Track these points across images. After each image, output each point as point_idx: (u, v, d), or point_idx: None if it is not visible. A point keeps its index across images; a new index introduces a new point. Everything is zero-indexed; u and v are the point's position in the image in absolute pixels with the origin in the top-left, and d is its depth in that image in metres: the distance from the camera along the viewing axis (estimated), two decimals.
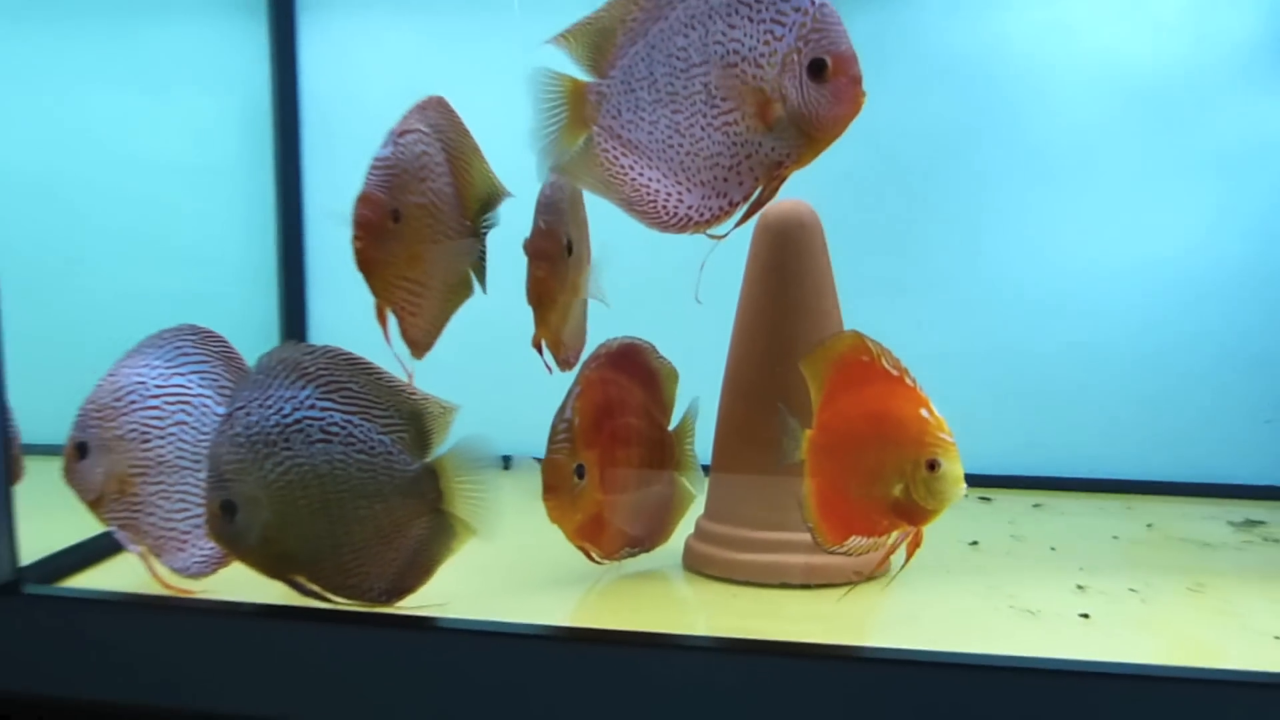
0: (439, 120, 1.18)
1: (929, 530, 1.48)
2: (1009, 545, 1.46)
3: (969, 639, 1.10)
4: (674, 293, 1.75)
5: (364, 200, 1.10)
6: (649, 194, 1.07)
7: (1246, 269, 1.71)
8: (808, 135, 1.00)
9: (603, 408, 1.20)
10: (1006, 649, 1.00)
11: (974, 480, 1.75)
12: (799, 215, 1.29)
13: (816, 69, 0.97)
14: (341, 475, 1.07)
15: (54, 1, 1.90)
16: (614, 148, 1.09)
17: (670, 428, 1.31)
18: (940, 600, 1.22)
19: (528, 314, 1.19)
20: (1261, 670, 0.94)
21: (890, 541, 1.08)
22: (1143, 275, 1.73)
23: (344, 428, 1.08)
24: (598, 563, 1.24)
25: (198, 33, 1.92)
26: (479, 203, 1.22)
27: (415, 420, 1.10)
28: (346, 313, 1.85)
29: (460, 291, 1.23)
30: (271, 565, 1.10)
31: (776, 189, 1.04)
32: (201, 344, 1.25)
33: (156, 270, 1.83)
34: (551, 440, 1.15)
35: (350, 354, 1.10)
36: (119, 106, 1.88)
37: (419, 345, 1.18)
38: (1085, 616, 1.16)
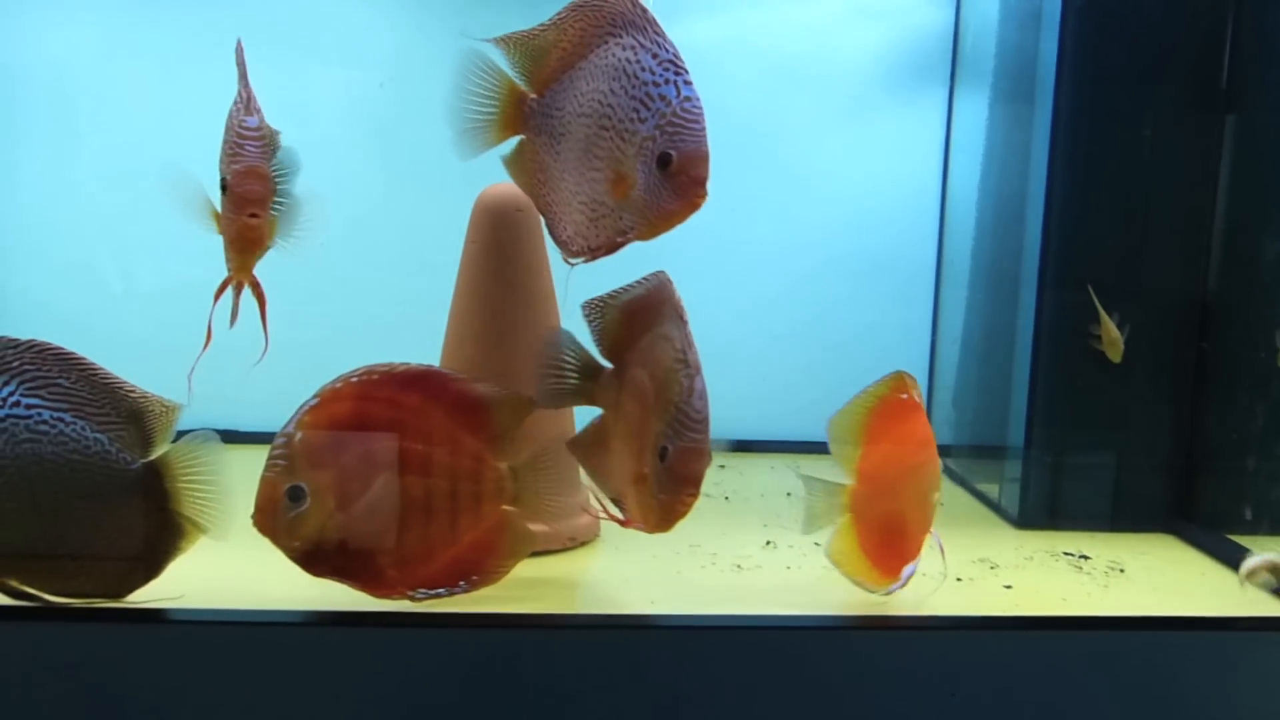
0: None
1: None
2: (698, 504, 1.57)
3: (685, 596, 1.21)
4: (385, 271, 1.77)
5: (255, 175, 1.04)
6: (550, 211, 1.12)
7: (875, 256, 1.93)
8: (646, 219, 1.02)
9: (354, 426, 1.08)
10: (724, 606, 1.11)
11: None
12: (516, 197, 1.30)
13: (664, 162, 0.98)
14: (53, 476, 1.02)
15: None
16: (534, 161, 1.12)
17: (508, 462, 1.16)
18: (649, 561, 1.31)
19: None
20: (944, 615, 1.12)
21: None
22: (790, 265, 1.92)
23: (54, 426, 1.02)
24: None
25: None
26: None
27: (135, 418, 1.05)
28: None
29: None
30: None
31: (614, 251, 1.07)
32: None
33: None
34: (268, 457, 1.07)
35: (60, 348, 1.03)
36: None
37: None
38: (788, 568, 1.30)
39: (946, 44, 1.87)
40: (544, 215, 1.14)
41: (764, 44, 1.86)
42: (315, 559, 1.08)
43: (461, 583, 1.13)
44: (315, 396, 1.08)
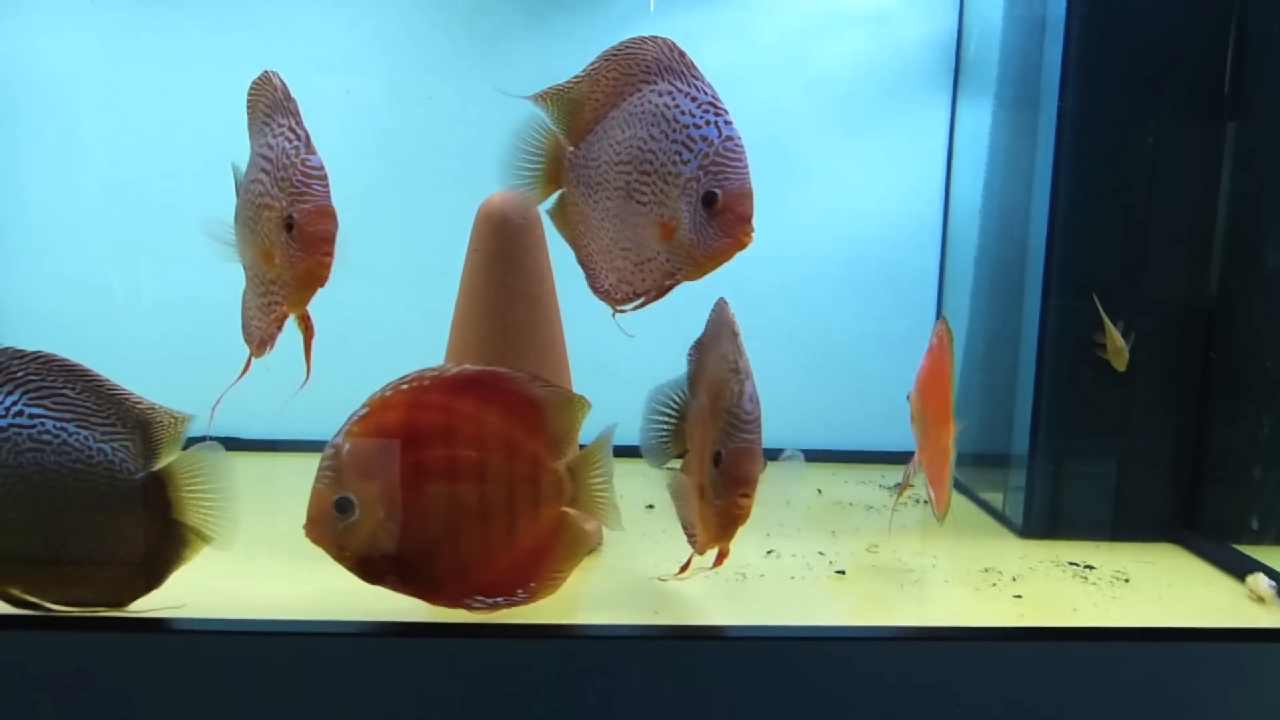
0: None
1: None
2: None
3: (688, 605, 1.19)
4: (388, 278, 1.76)
5: (327, 214, 1.04)
6: (590, 263, 1.14)
7: (877, 264, 1.92)
8: (693, 258, 1.04)
9: (404, 435, 1.06)
10: (728, 616, 1.10)
11: None
12: (519, 204, 1.31)
13: (709, 201, 1.00)
14: (56, 485, 1.01)
15: None
16: (575, 213, 1.14)
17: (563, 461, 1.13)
18: (653, 570, 1.30)
19: None
20: (956, 625, 1.11)
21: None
22: (792, 272, 1.90)
23: (57, 436, 1.02)
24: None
25: None
26: None
27: (142, 429, 1.05)
28: None
29: None
30: None
31: (665, 294, 1.09)
32: None
33: None
34: (318, 468, 1.06)
35: (64, 359, 1.03)
36: None
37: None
38: (791, 578, 1.29)
39: (949, 51, 1.87)
40: (584, 268, 1.15)
41: (766, 51, 1.86)
42: (370, 568, 1.07)
43: (520, 592, 1.11)
44: (365, 405, 1.06)
